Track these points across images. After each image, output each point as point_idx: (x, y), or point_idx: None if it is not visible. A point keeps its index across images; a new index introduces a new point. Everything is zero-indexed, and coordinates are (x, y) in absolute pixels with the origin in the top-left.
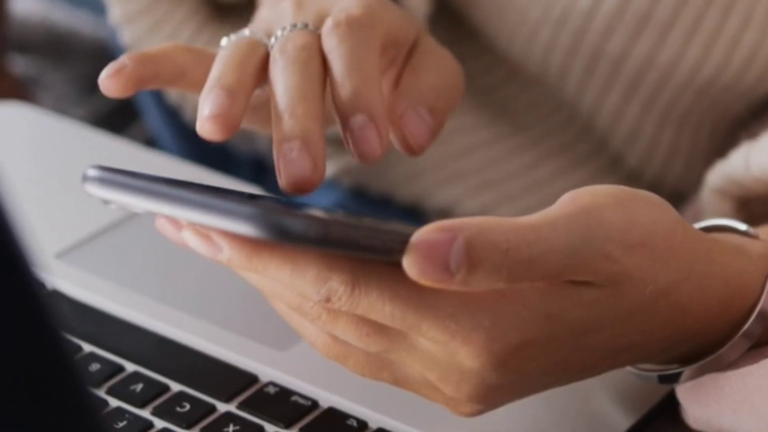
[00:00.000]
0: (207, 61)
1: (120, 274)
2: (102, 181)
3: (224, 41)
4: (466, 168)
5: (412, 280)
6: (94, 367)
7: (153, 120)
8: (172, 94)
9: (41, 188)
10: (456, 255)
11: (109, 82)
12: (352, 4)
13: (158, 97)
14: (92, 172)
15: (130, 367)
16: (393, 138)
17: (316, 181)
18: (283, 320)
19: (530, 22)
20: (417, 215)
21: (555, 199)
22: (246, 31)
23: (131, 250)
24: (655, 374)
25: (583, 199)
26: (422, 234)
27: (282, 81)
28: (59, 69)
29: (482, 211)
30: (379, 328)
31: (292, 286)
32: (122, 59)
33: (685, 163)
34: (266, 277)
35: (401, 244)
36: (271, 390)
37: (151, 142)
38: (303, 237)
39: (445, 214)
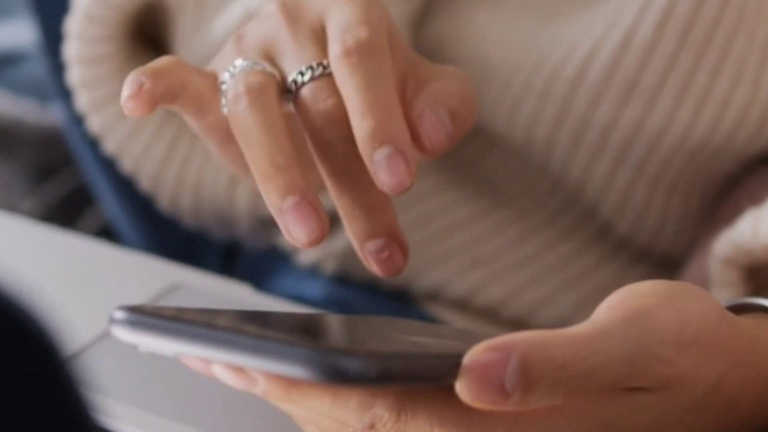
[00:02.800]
0: (202, 74)
1: (118, 390)
2: (131, 324)
3: (226, 77)
4: (452, 248)
5: (460, 401)
6: None
7: (113, 210)
8: (144, 181)
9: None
10: (512, 375)
11: (134, 103)
12: (356, 21)
13: (118, 182)
14: (119, 315)
15: None
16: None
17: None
18: None
19: (512, 94)
20: (404, 299)
21: (544, 274)
22: (243, 63)
23: (125, 362)
24: None
25: (633, 302)
26: (474, 355)
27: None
28: (5, 159)
29: (471, 292)
30: None
31: (333, 416)
32: (137, 78)
33: (677, 227)
34: (304, 408)
35: (453, 367)
36: None
37: (107, 228)
38: (362, 377)
39: (433, 296)
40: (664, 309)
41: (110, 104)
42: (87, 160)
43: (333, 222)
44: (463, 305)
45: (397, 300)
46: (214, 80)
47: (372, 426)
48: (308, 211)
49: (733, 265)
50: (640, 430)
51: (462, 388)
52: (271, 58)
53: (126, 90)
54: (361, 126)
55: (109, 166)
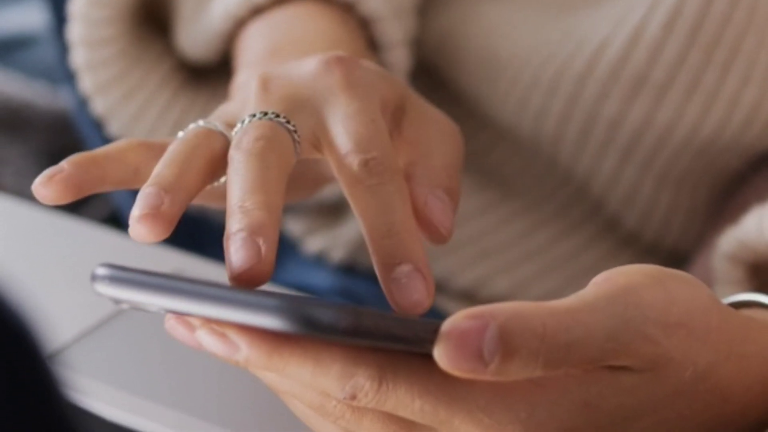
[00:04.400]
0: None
1: (116, 376)
2: (112, 280)
3: (180, 134)
4: (460, 239)
5: (442, 372)
6: None
7: (119, 194)
8: None
9: (19, 285)
10: (490, 343)
11: (43, 190)
12: (351, 114)
13: None
14: (101, 271)
15: None
16: (420, 228)
17: (261, 272)
18: (301, 421)
19: (521, 87)
20: None
21: (551, 268)
22: (200, 122)
23: (126, 347)
24: None
25: (619, 279)
26: (453, 322)
27: (234, 177)
28: (17, 143)
29: (478, 283)
30: (407, 425)
31: (315, 385)
32: (60, 164)
33: (684, 222)
34: (286, 376)
35: (432, 333)
36: None
37: (114, 214)
38: (333, 328)
39: (439, 287)
40: (651, 288)
41: (114, 87)
42: (94, 144)
43: (339, 211)
44: (469, 297)
45: None
46: None
47: (353, 396)
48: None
49: (738, 262)
50: (626, 411)
51: (440, 354)
52: (232, 125)
53: (41, 175)
54: (381, 245)
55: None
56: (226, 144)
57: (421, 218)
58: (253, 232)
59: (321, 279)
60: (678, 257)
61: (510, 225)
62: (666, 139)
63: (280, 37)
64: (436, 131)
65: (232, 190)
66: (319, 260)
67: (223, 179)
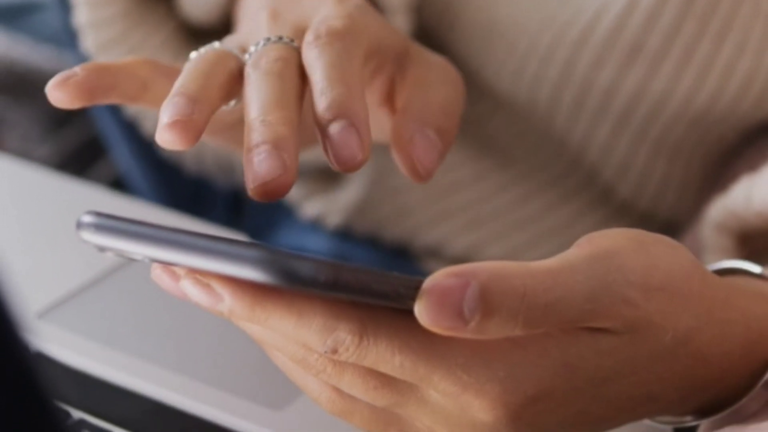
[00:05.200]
0: (172, 75)
1: (106, 334)
2: (98, 228)
3: (193, 54)
4: (454, 205)
5: (423, 329)
6: None
7: (122, 155)
8: (148, 126)
9: (12, 243)
10: (470, 301)
11: (56, 92)
12: (333, 15)
13: (129, 130)
14: (87, 218)
15: None
16: (399, 163)
17: (285, 183)
18: (284, 374)
19: (518, 54)
20: (405, 255)
21: (545, 236)
22: (215, 44)
23: (117, 306)
24: (670, 427)
25: (602, 241)
26: (435, 279)
27: (255, 93)
28: (23, 107)
29: (471, 250)
30: (387, 381)
31: (297, 337)
32: (74, 69)
33: (678, 193)
34: (269, 328)
35: (413, 290)
36: None
37: (119, 179)
38: (313, 281)
39: (433, 253)
40: (632, 252)
41: (116, 46)
42: (97, 107)
43: (337, 176)
44: (462, 263)
45: (398, 256)
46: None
47: (334, 350)
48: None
49: (726, 231)
50: (605, 373)
51: (420, 310)
52: (245, 49)
53: (54, 78)
54: (319, 100)
55: (116, 111)
56: (241, 67)
57: (404, 153)
58: (276, 146)
59: (317, 243)
60: (672, 228)
61: (504, 193)
62: (660, 109)
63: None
64: (438, 73)
65: (251, 106)
66: (316, 225)
67: (233, 102)
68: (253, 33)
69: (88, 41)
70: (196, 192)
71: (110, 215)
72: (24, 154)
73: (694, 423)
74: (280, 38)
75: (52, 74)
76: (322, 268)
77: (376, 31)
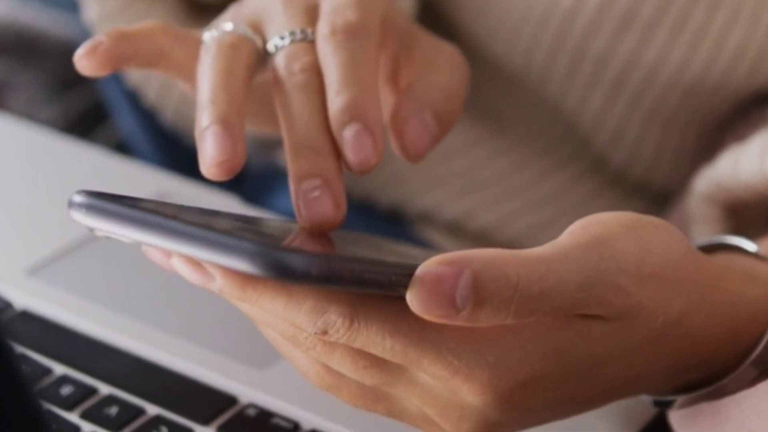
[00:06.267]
0: (188, 42)
1: (95, 291)
2: (89, 209)
3: (206, 37)
4: (448, 172)
5: (413, 313)
6: (67, 389)
7: (126, 120)
8: (150, 95)
9: (11, 200)
10: (463, 290)
11: (85, 60)
12: (347, 4)
13: (132, 97)
14: (78, 198)
15: (105, 389)
16: (391, 140)
17: (339, 221)
18: (273, 347)
19: (512, 21)
20: (398, 220)
21: (538, 203)
22: (228, 25)
23: (107, 265)
24: (650, 399)
25: (594, 228)
26: (427, 267)
27: (295, 112)
28: (29, 70)
29: (464, 216)
30: (377, 361)
31: (287, 318)
32: (98, 37)
33: (673, 162)
34: (259, 308)
35: (405, 278)
36: (252, 412)
37: (123, 142)
38: (305, 275)
39: (426, 218)
40: (625, 238)
41: (119, 16)
42: None
43: None
44: (455, 228)
45: (392, 221)
46: (197, 47)
47: (325, 331)
48: (224, 137)
49: (713, 202)
50: (594, 358)
51: (412, 298)
52: (258, 29)
53: (82, 47)
54: (334, 101)
55: (119, 78)
56: (259, 52)
57: (397, 133)
58: (327, 182)
59: None
60: (665, 197)
61: (498, 160)
62: (653, 78)
63: None
64: (445, 57)
65: (294, 128)
66: None
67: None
68: (265, 9)
69: (92, 11)
70: (197, 156)
71: (101, 194)
72: (30, 116)
73: (672, 398)
74: (303, 32)
75: (58, 38)
76: (314, 261)
77: (383, 6)
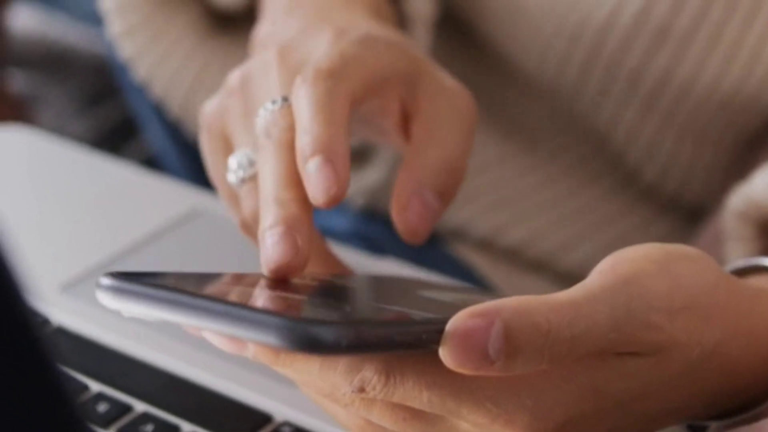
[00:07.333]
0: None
1: None
2: (116, 292)
3: (261, 122)
4: (479, 187)
5: None
6: (102, 407)
7: (154, 135)
8: (174, 108)
9: (43, 216)
10: (495, 342)
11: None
12: (323, 56)
13: (158, 110)
14: (105, 281)
15: (140, 406)
16: (395, 222)
17: (298, 266)
18: (314, 403)
19: (544, 36)
20: (429, 238)
21: (569, 218)
22: (273, 104)
23: None
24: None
25: (624, 267)
26: (458, 322)
27: (268, 167)
28: (59, 84)
29: (495, 232)
30: (416, 413)
31: (322, 379)
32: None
33: (705, 178)
34: (294, 371)
35: (436, 334)
36: (286, 430)
37: (153, 156)
38: (335, 346)
39: (457, 235)
40: (654, 275)
41: (141, 30)
42: (124, 87)
43: (362, 157)
44: (487, 245)
45: None
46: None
47: (361, 389)
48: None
49: (747, 220)
50: (632, 394)
51: (445, 354)
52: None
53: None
54: (300, 140)
55: (146, 93)
56: None
57: (399, 217)
58: (289, 228)
59: (341, 224)
60: (697, 213)
61: (529, 175)
62: (687, 93)
63: None
64: (450, 106)
65: (265, 180)
66: (340, 206)
67: None
68: (261, 77)
69: (114, 25)
70: None
71: (128, 276)
72: (59, 130)
73: (706, 424)
74: (286, 100)
75: (87, 52)
76: (343, 332)
77: (374, 63)
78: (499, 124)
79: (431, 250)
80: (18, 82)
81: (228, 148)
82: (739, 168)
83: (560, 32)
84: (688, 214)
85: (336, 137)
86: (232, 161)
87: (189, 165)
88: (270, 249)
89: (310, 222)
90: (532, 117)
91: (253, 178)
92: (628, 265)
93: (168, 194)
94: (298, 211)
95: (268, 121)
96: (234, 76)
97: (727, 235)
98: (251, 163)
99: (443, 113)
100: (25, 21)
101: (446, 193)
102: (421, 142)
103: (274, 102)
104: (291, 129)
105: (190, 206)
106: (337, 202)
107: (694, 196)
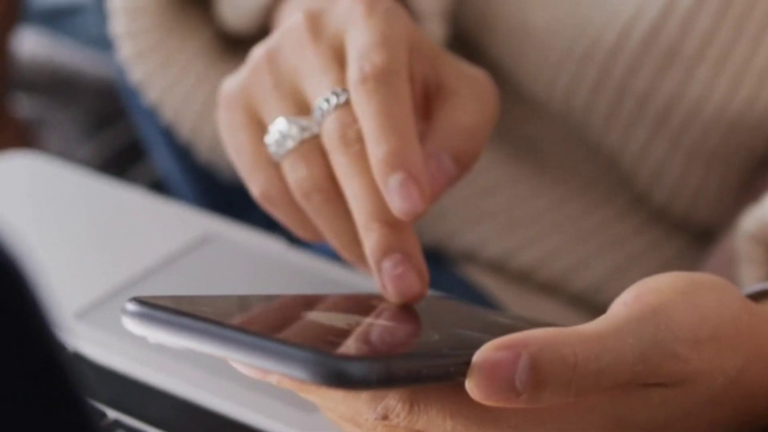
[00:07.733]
0: None
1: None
2: (142, 318)
3: (288, 158)
4: (491, 208)
5: None
6: None
7: (162, 159)
8: (184, 131)
9: (53, 243)
10: (522, 374)
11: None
12: (370, 45)
13: (167, 134)
14: (131, 308)
15: None
16: None
17: (425, 293)
18: (335, 426)
19: (553, 59)
20: (440, 259)
21: (581, 239)
22: (290, 129)
23: None
24: None
25: (649, 297)
26: (484, 354)
27: (358, 183)
28: (65, 108)
29: (507, 253)
30: None
31: (346, 405)
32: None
33: (715, 199)
34: (318, 397)
35: (463, 365)
36: None
37: (160, 180)
38: (364, 382)
39: (468, 256)
40: (679, 306)
41: (152, 55)
42: (134, 111)
43: None
44: (499, 267)
45: (433, 261)
46: None
47: (385, 416)
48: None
49: (761, 242)
50: (657, 424)
51: (472, 386)
52: (296, 83)
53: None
54: (375, 152)
55: (154, 116)
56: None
57: None
58: (408, 256)
59: None
60: (707, 234)
61: (541, 196)
62: (695, 114)
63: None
64: (472, 87)
65: (360, 202)
66: None
67: None
68: (300, 64)
69: (125, 50)
70: (234, 193)
71: (154, 303)
72: (65, 154)
73: None
74: (345, 92)
75: (93, 76)
76: (373, 368)
77: (409, 35)
78: (509, 144)
79: (442, 272)
80: (24, 106)
81: (253, 122)
82: (749, 189)
83: (569, 55)
84: (698, 234)
85: (413, 148)
86: (273, 132)
87: (197, 189)
88: (397, 281)
89: (418, 244)
90: (543, 137)
91: (300, 147)
92: (653, 296)
93: (179, 219)
94: (411, 237)
95: (339, 122)
96: (258, 51)
97: (740, 258)
98: (302, 130)
99: (465, 90)
100: (30, 45)
101: (463, 160)
102: (442, 110)
103: (335, 95)
104: (362, 136)
105: (202, 231)
106: (419, 218)
107: (703, 216)
